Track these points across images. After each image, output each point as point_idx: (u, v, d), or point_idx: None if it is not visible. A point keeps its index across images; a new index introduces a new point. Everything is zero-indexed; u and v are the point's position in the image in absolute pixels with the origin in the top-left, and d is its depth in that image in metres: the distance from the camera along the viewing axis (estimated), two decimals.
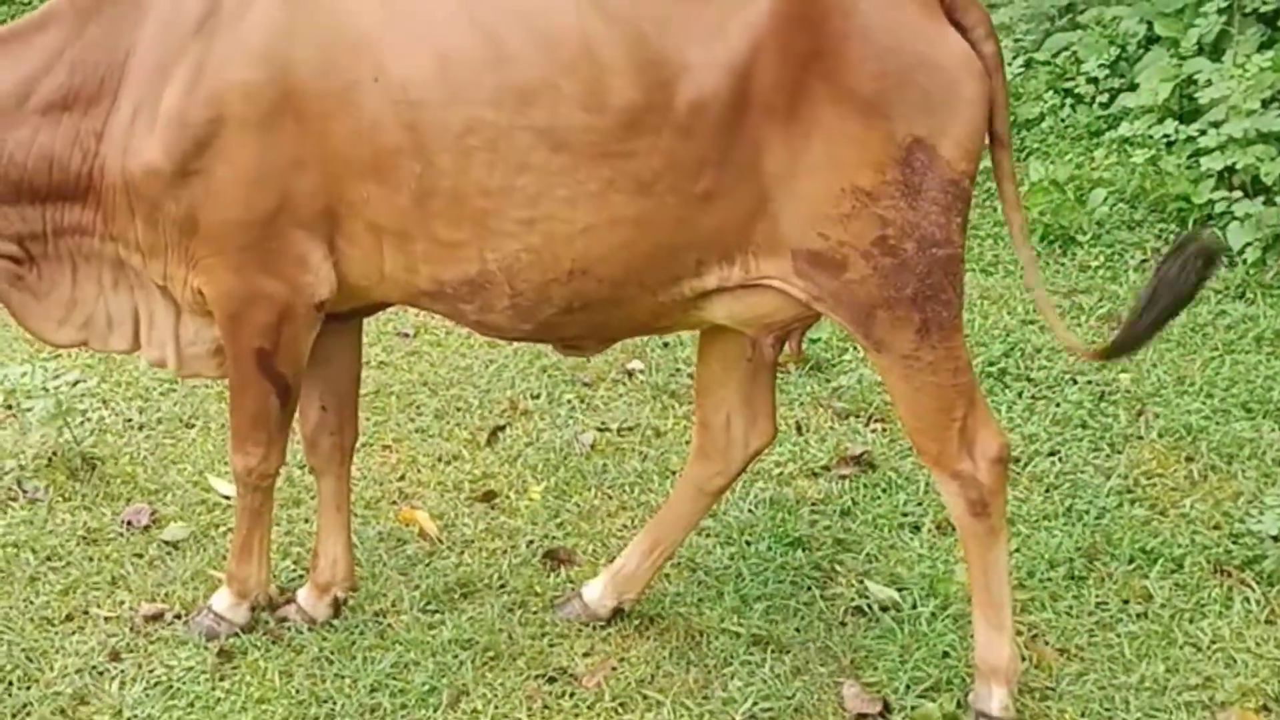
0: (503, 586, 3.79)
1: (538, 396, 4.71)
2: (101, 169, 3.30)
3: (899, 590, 3.73)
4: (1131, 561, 3.81)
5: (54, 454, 4.16)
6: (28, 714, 3.29)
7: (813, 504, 4.12)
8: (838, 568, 3.84)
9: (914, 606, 3.67)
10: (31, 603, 3.64)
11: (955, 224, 3.16)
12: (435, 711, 3.34)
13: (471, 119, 3.09)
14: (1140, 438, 4.38)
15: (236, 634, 3.56)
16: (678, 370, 4.82)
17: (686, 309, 3.29)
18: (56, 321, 3.48)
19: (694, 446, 3.65)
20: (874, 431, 4.49)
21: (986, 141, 3.20)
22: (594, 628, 3.61)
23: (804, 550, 3.90)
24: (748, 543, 3.93)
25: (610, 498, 4.20)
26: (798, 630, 3.62)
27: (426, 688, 3.39)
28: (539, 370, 4.84)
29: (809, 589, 3.76)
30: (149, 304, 3.46)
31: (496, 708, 3.36)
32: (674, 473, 4.25)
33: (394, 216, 3.19)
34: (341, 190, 3.20)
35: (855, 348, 4.86)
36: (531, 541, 3.97)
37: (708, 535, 3.98)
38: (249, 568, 3.61)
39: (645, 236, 3.15)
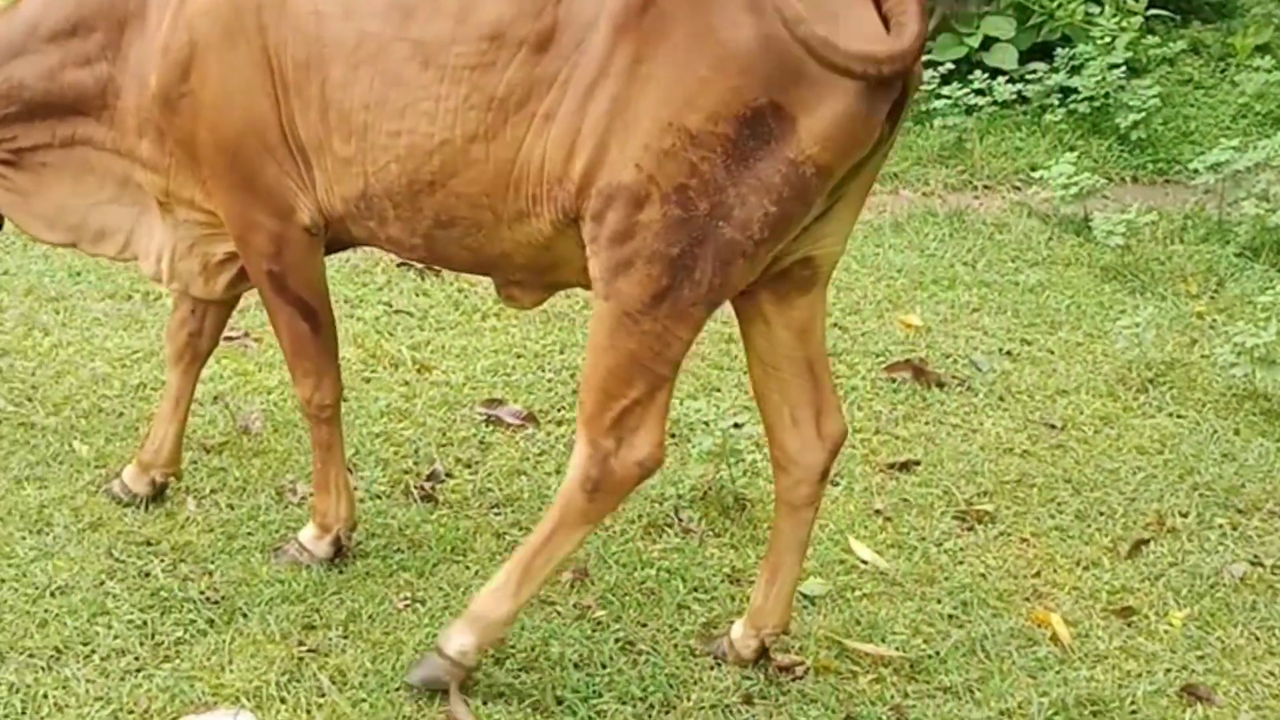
0: (1134, 713, 3.64)
1: (1186, 515, 4.49)
2: (116, 91, 3.62)
3: None
4: None
5: (709, 489, 4.37)
6: None
7: None
8: None
9: None
10: (676, 630, 3.83)
11: (765, 213, 2.90)
12: None
13: (362, 32, 3.20)
14: None
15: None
16: None
17: (561, 258, 3.22)
18: (45, 222, 3.87)
19: (771, 460, 3.51)
20: None
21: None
22: None
23: None
24: None
25: (1258, 639, 3.94)
26: None
27: None
28: (1190, 487, 4.62)
29: None
30: (149, 218, 3.77)
31: None
32: None
33: (309, 133, 3.32)
34: (287, 111, 3.34)
35: None
36: (1169, 670, 3.79)
37: None
38: (328, 501, 3.79)
39: (490, 155, 3.14)
